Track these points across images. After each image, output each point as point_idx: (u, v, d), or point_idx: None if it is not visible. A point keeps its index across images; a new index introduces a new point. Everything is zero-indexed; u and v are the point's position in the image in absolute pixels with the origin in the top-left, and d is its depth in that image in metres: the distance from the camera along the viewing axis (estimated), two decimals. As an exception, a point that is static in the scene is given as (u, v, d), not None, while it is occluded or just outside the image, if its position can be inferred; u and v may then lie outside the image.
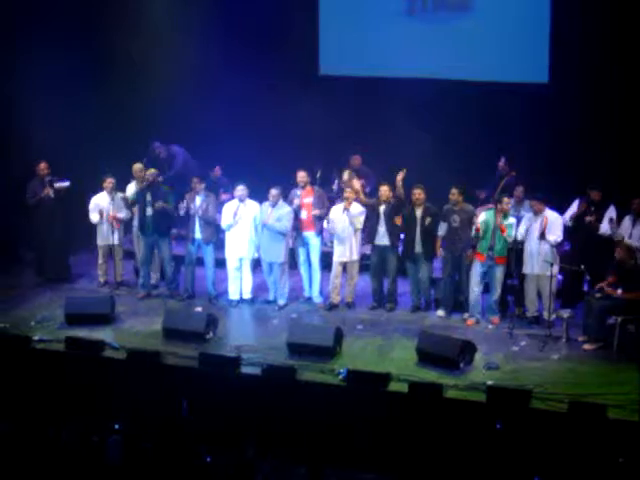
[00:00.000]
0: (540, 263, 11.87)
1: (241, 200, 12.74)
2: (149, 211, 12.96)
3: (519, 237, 11.95)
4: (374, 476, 9.97)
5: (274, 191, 12.61)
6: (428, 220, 12.33)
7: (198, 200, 12.86)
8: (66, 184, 13.63)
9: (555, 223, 11.94)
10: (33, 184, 13.58)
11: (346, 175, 13.71)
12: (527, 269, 12.05)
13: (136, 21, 14.96)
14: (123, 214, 13.45)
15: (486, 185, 13.82)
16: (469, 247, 12.19)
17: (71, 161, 14.13)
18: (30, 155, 14.04)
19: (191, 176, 13.31)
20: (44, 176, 13.50)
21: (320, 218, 12.89)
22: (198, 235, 12.91)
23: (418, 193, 12.36)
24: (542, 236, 11.83)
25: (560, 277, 12.39)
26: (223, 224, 12.86)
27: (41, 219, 13.62)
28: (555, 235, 11.87)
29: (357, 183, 13.35)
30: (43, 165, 13.53)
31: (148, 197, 12.97)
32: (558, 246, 11.97)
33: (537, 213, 11.97)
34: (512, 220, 12.02)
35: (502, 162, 13.80)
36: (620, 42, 13.57)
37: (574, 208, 12.42)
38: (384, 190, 12.55)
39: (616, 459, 9.35)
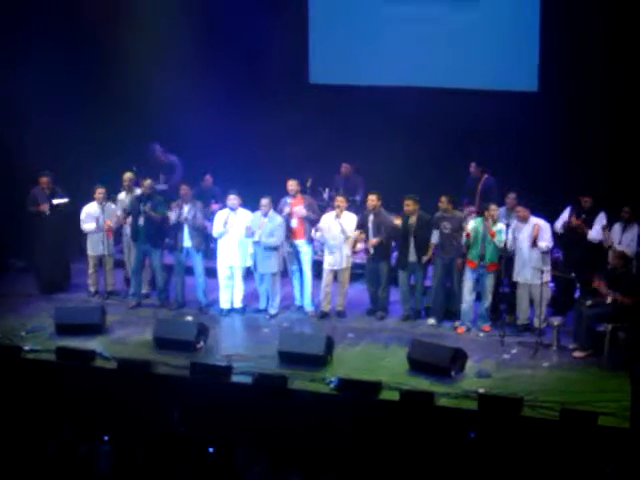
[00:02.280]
0: (531, 271, 11.90)
1: (232, 209, 12.74)
2: (141, 221, 12.96)
3: (509, 246, 11.96)
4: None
5: (264, 201, 12.62)
6: (415, 227, 12.36)
7: (186, 208, 12.87)
8: (64, 200, 13.61)
9: (544, 230, 11.98)
10: (35, 193, 13.54)
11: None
12: (518, 277, 12.07)
13: (130, 31, 14.94)
14: (114, 223, 13.45)
15: (464, 194, 13.85)
16: (460, 255, 12.21)
17: (65, 169, 14.11)
18: (21, 164, 14.04)
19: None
20: (44, 189, 13.47)
21: (311, 223, 12.88)
22: (187, 243, 12.92)
23: (407, 204, 12.36)
24: (534, 244, 11.86)
25: (551, 285, 12.41)
26: (214, 232, 12.86)
27: (37, 228, 13.58)
28: (545, 241, 11.90)
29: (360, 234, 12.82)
30: (45, 179, 13.49)
31: (142, 207, 12.97)
32: (548, 253, 11.99)
33: (522, 220, 11.99)
34: (501, 226, 12.03)
35: (473, 167, 13.82)
36: (609, 51, 13.61)
37: (566, 216, 12.46)
38: (372, 199, 12.56)
39: (606, 467, 9.36)
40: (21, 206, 13.64)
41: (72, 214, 13.63)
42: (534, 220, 11.98)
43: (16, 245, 14.55)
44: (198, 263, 13.03)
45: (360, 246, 12.84)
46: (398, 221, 12.43)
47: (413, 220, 12.41)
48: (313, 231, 12.75)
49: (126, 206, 13.36)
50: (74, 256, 14.25)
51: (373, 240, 12.48)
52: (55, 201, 13.52)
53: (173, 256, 13.20)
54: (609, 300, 11.18)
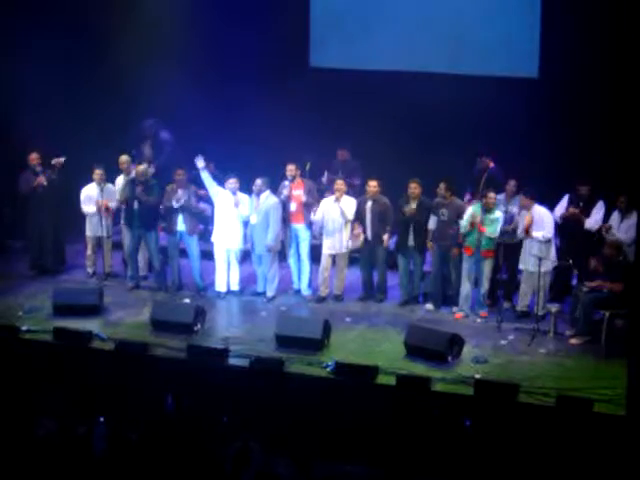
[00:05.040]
0: (533, 258, 11.86)
1: (233, 193, 12.73)
2: (136, 205, 12.94)
3: (519, 235, 11.95)
4: (362, 469, 9.96)
5: (258, 181, 12.66)
6: (413, 210, 12.34)
7: (180, 192, 12.85)
8: (62, 159, 13.56)
9: (545, 219, 11.95)
10: (26, 175, 13.52)
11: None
12: (522, 264, 12.07)
13: (127, 11, 14.88)
14: (114, 204, 13.44)
15: (468, 182, 13.78)
16: (456, 243, 12.20)
17: (64, 151, 14.04)
18: (18, 145, 14.01)
19: (175, 168, 13.26)
20: (35, 166, 13.45)
21: (309, 207, 12.87)
22: (181, 227, 12.92)
23: (414, 187, 12.37)
24: (526, 233, 11.84)
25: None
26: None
27: (32, 210, 13.56)
28: (544, 231, 11.88)
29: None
30: (34, 156, 13.48)
31: (137, 190, 12.94)
32: (548, 242, 11.98)
33: (525, 209, 11.98)
34: (498, 214, 12.02)
35: (479, 162, 13.71)
36: (610, 38, 13.53)
37: (564, 204, 12.44)
38: (373, 185, 12.56)
39: (602, 454, 9.38)
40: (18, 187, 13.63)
41: (67, 195, 13.63)
42: (537, 209, 11.95)
43: (14, 226, 14.53)
44: (193, 246, 13.03)
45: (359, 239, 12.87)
46: (411, 209, 12.39)
47: (414, 205, 12.41)
48: (312, 214, 12.74)
49: (121, 190, 13.34)
50: (72, 237, 14.24)
51: (385, 238, 12.52)
52: (54, 161, 13.46)
53: (167, 239, 13.20)
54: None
